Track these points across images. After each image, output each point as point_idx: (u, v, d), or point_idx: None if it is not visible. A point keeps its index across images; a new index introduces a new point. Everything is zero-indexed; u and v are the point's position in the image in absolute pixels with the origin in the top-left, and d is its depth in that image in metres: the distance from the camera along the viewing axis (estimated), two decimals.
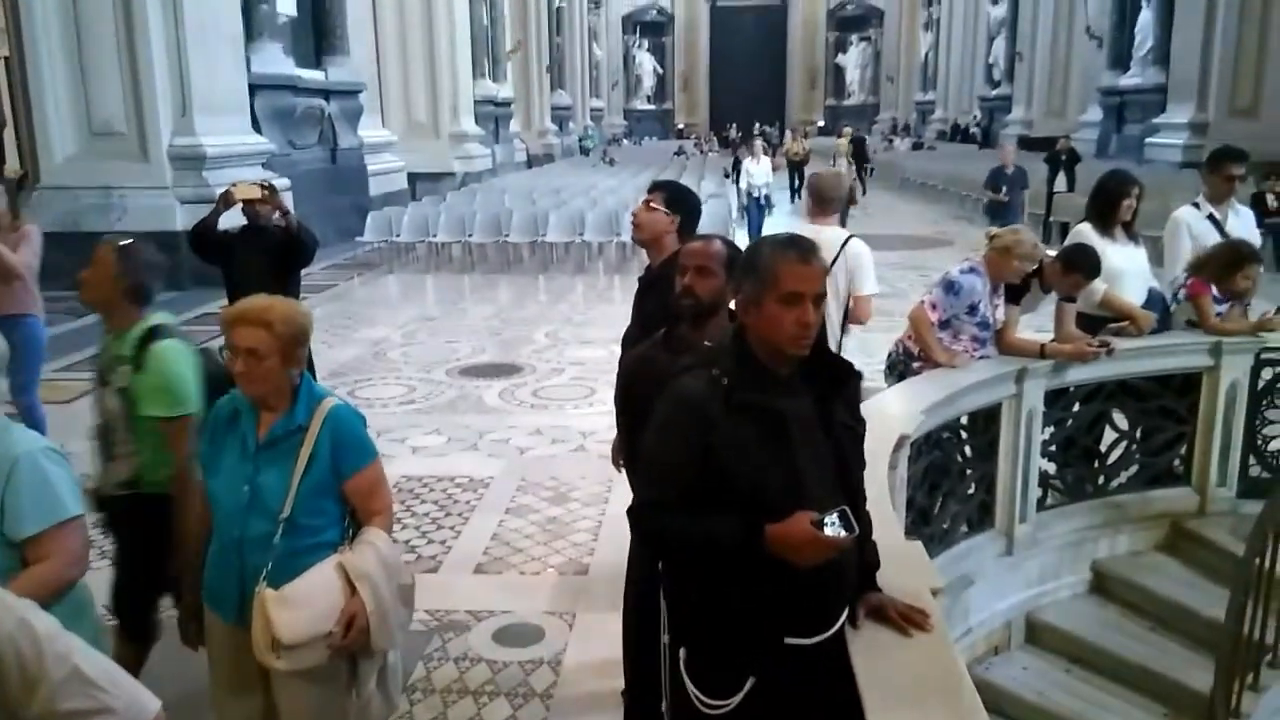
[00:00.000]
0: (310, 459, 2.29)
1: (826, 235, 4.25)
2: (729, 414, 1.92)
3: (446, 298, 11.12)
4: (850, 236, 4.43)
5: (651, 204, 3.23)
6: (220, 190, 5.19)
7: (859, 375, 2.13)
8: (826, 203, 4.53)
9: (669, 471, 1.98)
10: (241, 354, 2.24)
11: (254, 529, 2.29)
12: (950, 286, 4.14)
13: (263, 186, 4.99)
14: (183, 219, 10.28)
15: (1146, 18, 21.08)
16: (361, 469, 2.38)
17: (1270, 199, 11.63)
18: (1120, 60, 22.29)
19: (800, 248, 1.97)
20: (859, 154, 24.26)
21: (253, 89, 12.09)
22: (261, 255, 4.92)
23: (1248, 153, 5.38)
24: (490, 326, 9.32)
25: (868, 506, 2.17)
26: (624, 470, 3.10)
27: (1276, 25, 17.84)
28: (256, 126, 12.15)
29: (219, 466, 2.37)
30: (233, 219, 5.15)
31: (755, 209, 14.46)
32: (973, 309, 4.14)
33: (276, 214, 4.99)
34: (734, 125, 40.48)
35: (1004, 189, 12.51)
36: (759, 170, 14.53)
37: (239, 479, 2.31)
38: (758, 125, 38.98)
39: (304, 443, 2.30)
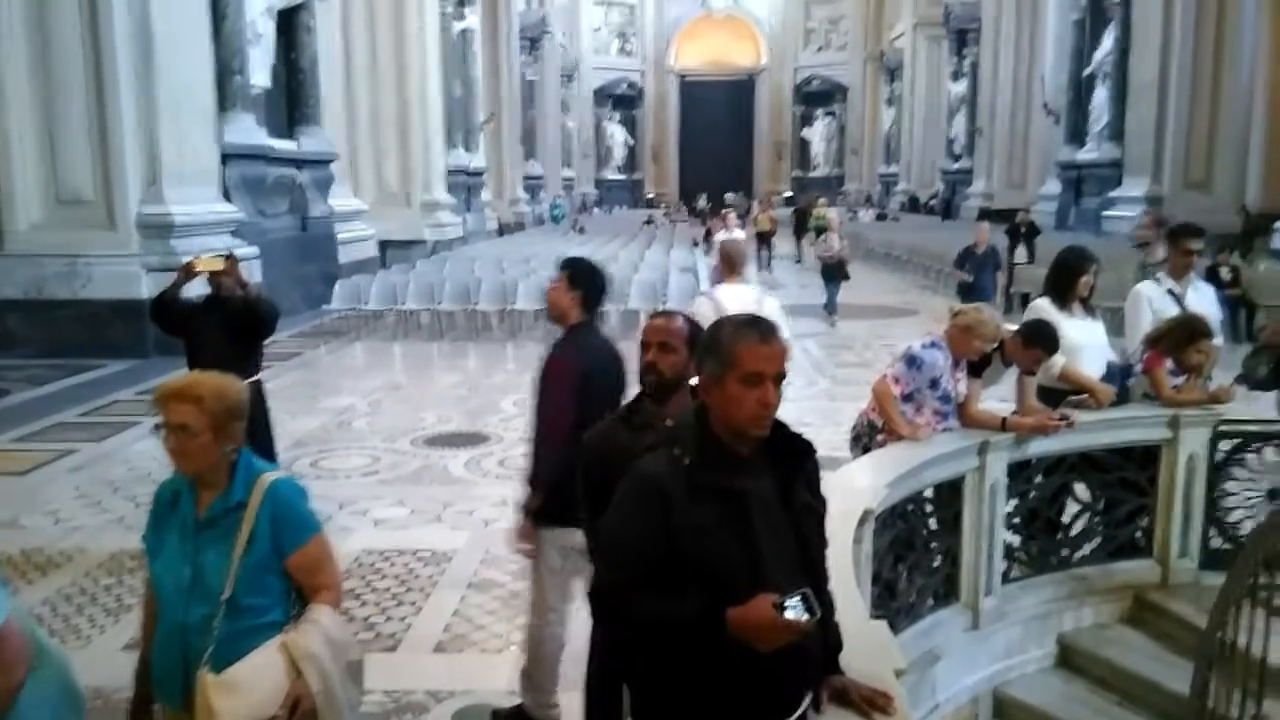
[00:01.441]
0: (250, 537, 2.26)
1: (744, 294, 5.04)
2: (690, 495, 1.92)
3: (414, 366, 11.09)
4: (765, 294, 5.25)
5: (555, 283, 3.49)
6: (186, 259, 5.17)
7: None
8: (736, 265, 5.31)
9: (630, 553, 1.96)
10: (173, 430, 2.22)
11: (196, 612, 2.24)
12: (912, 361, 4.21)
13: (225, 258, 4.98)
14: (148, 287, 10.21)
15: (1101, 95, 21.81)
16: (303, 544, 2.34)
17: (1224, 271, 11.95)
18: (1077, 135, 22.98)
19: (761, 328, 1.99)
20: (799, 224, 24.68)
21: (224, 158, 12.15)
22: (223, 326, 4.89)
23: (1204, 229, 5.55)
24: (457, 395, 9.28)
25: (830, 586, 2.16)
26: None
27: (1227, 101, 18.53)
28: (227, 195, 12.18)
29: (162, 550, 2.32)
30: (197, 288, 5.13)
31: None
32: (934, 383, 4.20)
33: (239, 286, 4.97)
34: (704, 195, 41.06)
35: (968, 268, 11.94)
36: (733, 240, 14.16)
37: (180, 561, 2.27)
38: (730, 195, 39.58)
39: (243, 520, 2.26)
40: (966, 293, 11.42)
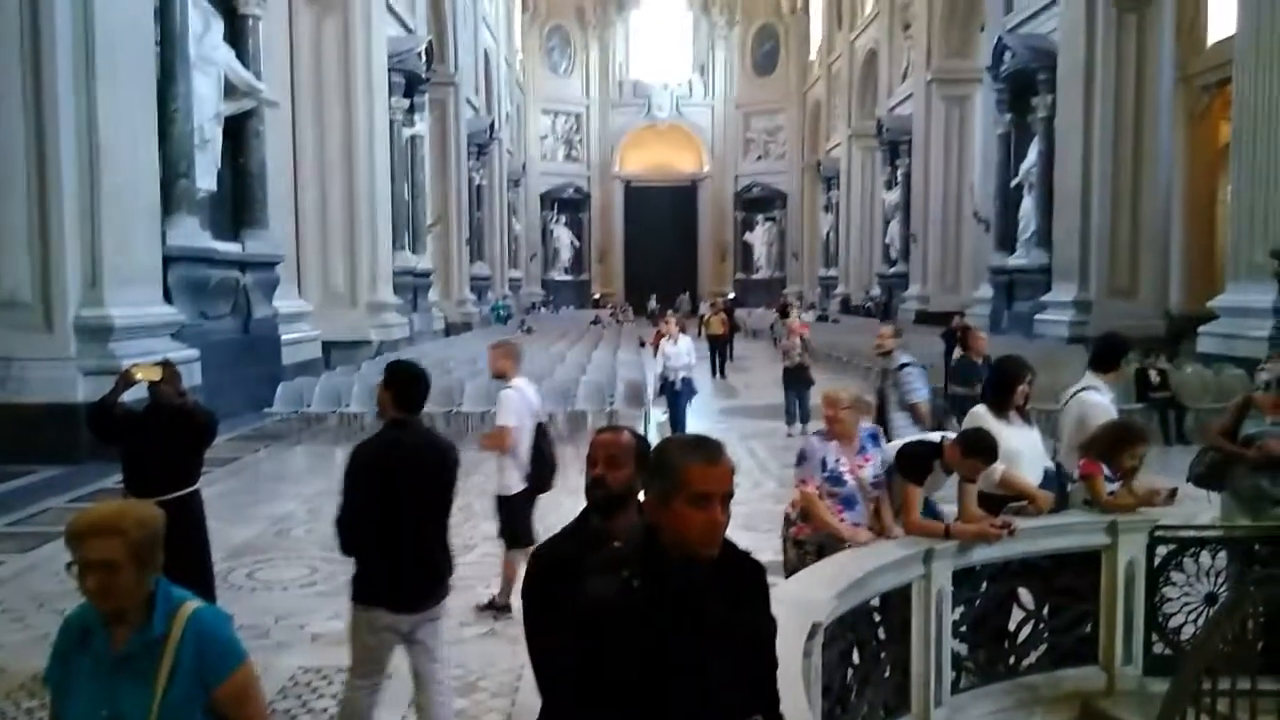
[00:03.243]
0: (172, 672, 2.13)
1: (530, 387, 6.17)
2: (641, 619, 1.91)
3: None
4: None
5: (378, 385, 4.04)
6: (127, 363, 5.09)
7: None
8: (519, 360, 6.30)
9: (579, 679, 1.94)
10: (95, 569, 2.08)
11: None
12: (799, 458, 4.65)
13: (164, 366, 4.92)
14: (84, 390, 9.99)
15: (1028, 204, 22.73)
16: (230, 674, 2.22)
17: (1153, 375, 12.36)
18: (1007, 242, 23.83)
19: (707, 449, 2.02)
20: (730, 324, 23.93)
21: (167, 260, 12.05)
22: (162, 436, 4.79)
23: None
24: None
25: (782, 708, 2.14)
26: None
27: (1147, 211, 19.52)
28: (168, 297, 12.04)
29: (72, 690, 2.18)
30: (134, 394, 5.04)
31: (674, 396, 12.23)
32: (822, 465, 4.55)
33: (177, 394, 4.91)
34: (654, 296, 41.48)
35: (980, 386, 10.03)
36: (678, 351, 12.31)
37: (96, 703, 2.13)
38: (683, 297, 40.03)
39: (164, 655, 2.13)
40: (967, 409, 9.83)
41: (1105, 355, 5.62)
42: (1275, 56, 14.10)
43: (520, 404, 5.90)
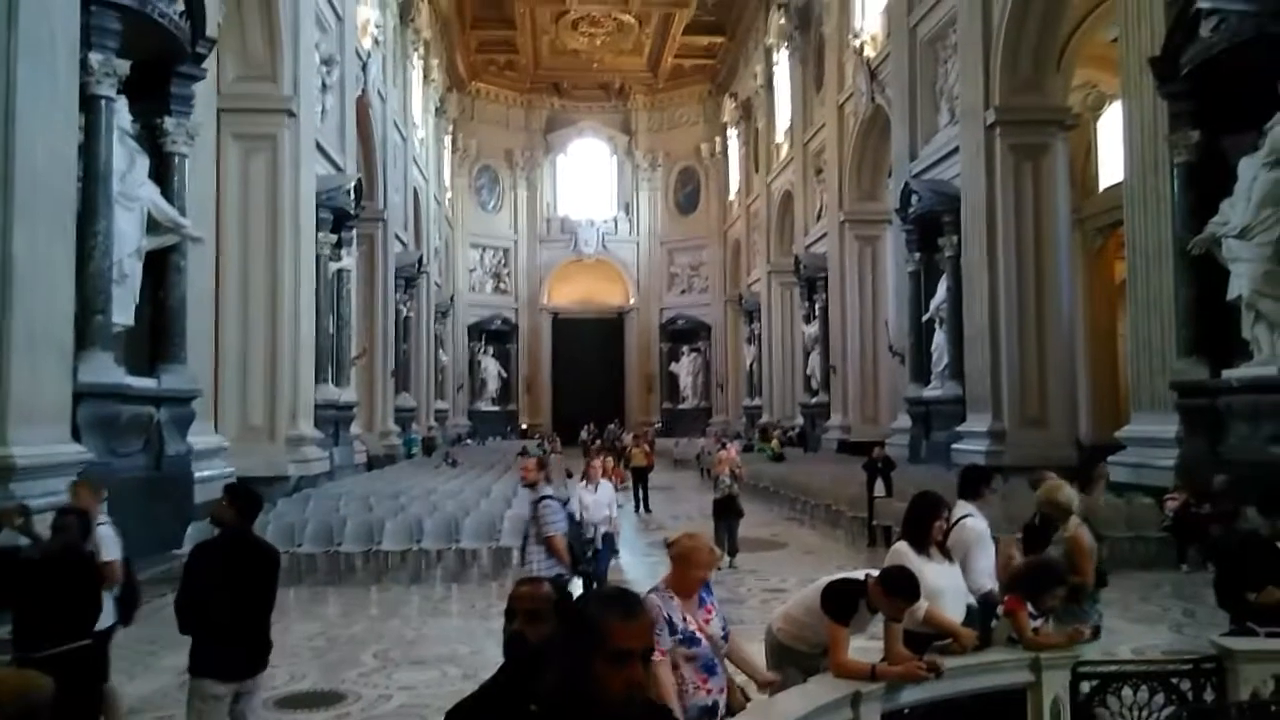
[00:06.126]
0: None
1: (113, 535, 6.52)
2: None
3: None
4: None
5: (221, 502, 5.23)
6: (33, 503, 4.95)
7: None
8: (101, 494, 6.89)
9: None
10: None
11: None
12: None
13: (16, 511, 5.05)
14: None
15: (940, 339, 23.49)
16: None
17: None
18: (922, 374, 24.48)
19: (625, 604, 2.01)
20: (636, 476, 22.10)
21: (77, 397, 11.67)
22: (54, 583, 4.61)
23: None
24: (314, 647, 8.74)
25: None
26: None
27: (1053, 345, 20.40)
28: (77, 435, 11.61)
29: None
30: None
31: (593, 553, 9.81)
32: (671, 627, 3.96)
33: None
34: (586, 426, 41.23)
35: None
36: (598, 501, 10.29)
37: None
38: (613, 427, 39.77)
39: None
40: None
41: (969, 484, 6.24)
42: (1161, 201, 15.12)
43: (116, 539, 6.47)
